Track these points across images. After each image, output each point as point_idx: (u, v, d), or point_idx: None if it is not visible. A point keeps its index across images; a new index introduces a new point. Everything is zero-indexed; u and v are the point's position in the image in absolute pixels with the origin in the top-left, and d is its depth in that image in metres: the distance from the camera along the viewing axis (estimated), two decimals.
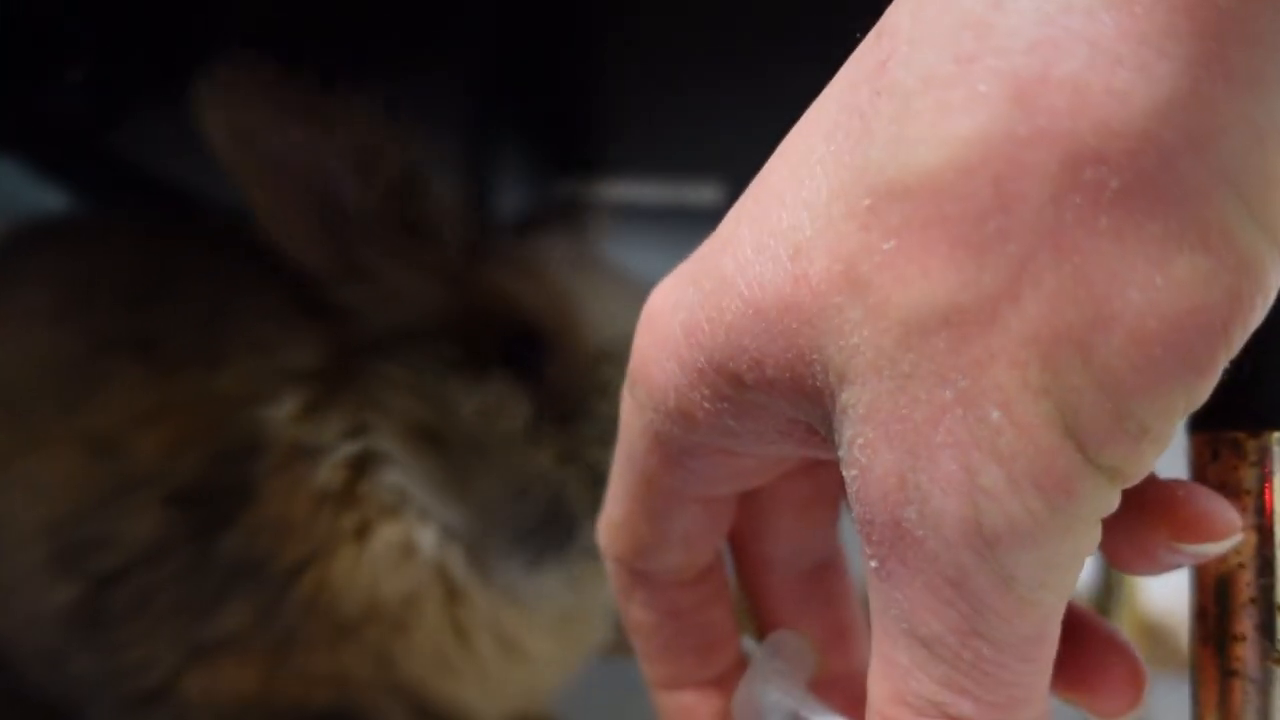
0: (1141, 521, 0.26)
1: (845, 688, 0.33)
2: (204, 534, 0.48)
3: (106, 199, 0.74)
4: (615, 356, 0.49)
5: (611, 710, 0.61)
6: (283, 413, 0.48)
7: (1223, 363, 0.21)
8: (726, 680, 0.33)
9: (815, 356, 0.23)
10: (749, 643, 0.35)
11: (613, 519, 0.31)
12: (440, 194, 0.49)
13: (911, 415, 0.22)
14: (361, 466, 0.49)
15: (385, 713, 0.52)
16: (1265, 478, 0.30)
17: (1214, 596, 0.33)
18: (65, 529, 0.49)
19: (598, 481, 0.46)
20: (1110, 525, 0.25)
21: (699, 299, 0.25)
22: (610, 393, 0.49)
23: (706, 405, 0.26)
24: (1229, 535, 0.26)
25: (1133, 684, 0.29)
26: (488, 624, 0.51)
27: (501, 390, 0.49)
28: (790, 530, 0.33)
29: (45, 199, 0.85)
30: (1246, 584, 0.33)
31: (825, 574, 0.34)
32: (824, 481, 0.32)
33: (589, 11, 0.55)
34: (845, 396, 0.23)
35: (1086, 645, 0.29)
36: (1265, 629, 0.32)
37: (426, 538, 0.50)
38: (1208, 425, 0.31)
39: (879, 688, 0.25)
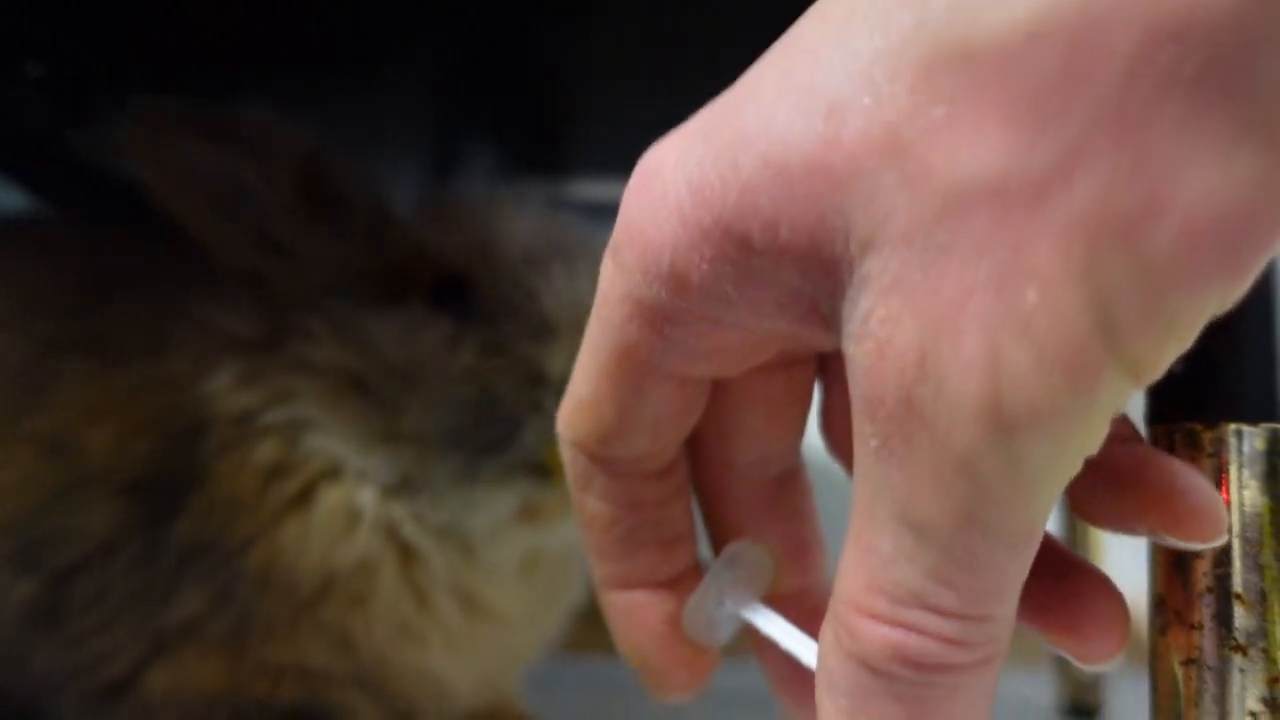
0: (1132, 496, 0.26)
1: (802, 602, 0.33)
2: (157, 522, 0.49)
3: (65, 200, 0.74)
4: (538, 262, 0.51)
5: (585, 710, 0.61)
6: (222, 383, 0.50)
7: (1260, 267, 0.20)
8: (680, 584, 0.32)
9: (839, 223, 0.22)
10: (705, 553, 0.34)
11: (578, 398, 0.30)
12: (344, 170, 0.52)
13: (941, 289, 0.21)
14: (296, 433, 0.50)
15: (354, 710, 0.52)
16: (1221, 469, 0.30)
17: (1171, 585, 0.34)
18: (20, 528, 0.50)
19: (532, 378, 0.49)
20: (1097, 482, 0.25)
21: (710, 155, 0.24)
22: (536, 294, 0.50)
23: (705, 268, 0.25)
24: (1217, 539, 0.26)
25: (1119, 627, 0.28)
26: (446, 581, 0.52)
27: (419, 316, 0.50)
28: (757, 433, 0.32)
29: (3, 199, 0.84)
30: (1203, 573, 0.34)
31: (788, 485, 0.34)
32: (798, 383, 0.31)
33: (556, 11, 0.55)
34: (868, 266, 0.22)
35: (1073, 587, 0.29)
36: (1222, 618, 0.32)
37: (368, 498, 0.50)
38: (1165, 417, 0.32)
39: (853, 578, 0.24)
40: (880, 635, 0.24)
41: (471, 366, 0.49)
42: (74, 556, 0.49)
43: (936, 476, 0.22)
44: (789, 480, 0.34)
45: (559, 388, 0.48)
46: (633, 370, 0.28)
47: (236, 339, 0.51)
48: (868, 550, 0.24)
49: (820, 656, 0.26)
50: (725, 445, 0.32)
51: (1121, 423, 0.28)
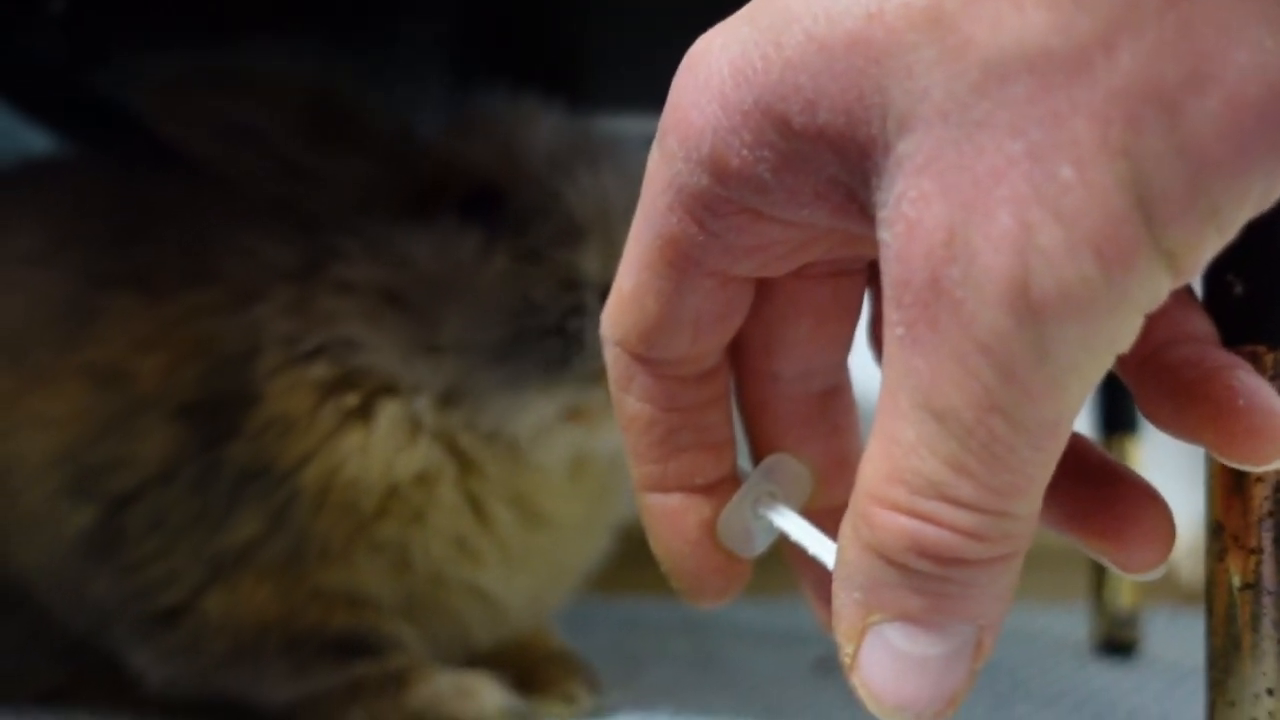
0: (1195, 408, 0.26)
1: (839, 519, 0.33)
2: (211, 445, 0.50)
3: (88, 139, 0.73)
4: (562, 165, 0.51)
5: (617, 650, 0.62)
6: (268, 310, 0.50)
7: None
8: (718, 491, 0.32)
9: (876, 100, 0.22)
10: (744, 464, 0.34)
11: (621, 292, 0.29)
12: (357, 98, 0.53)
13: (974, 166, 0.21)
14: (345, 352, 0.50)
15: (402, 641, 0.53)
16: None
17: (1230, 510, 0.34)
18: (77, 457, 0.50)
19: (567, 282, 0.49)
20: (1164, 387, 0.24)
21: (754, 36, 0.24)
22: (563, 197, 0.50)
23: (745, 153, 0.25)
24: (1275, 462, 0.25)
25: (1163, 535, 0.28)
26: (502, 490, 0.52)
27: (450, 227, 0.51)
28: (802, 344, 0.31)
29: (28, 139, 0.83)
30: (1263, 498, 0.33)
31: (832, 401, 0.33)
32: (846, 295, 0.31)
33: None
34: (903, 146, 0.22)
35: (1117, 493, 0.28)
36: None
37: (426, 408, 0.51)
38: (1227, 339, 0.31)
39: (876, 467, 0.24)
40: (898, 526, 0.23)
41: (506, 275, 0.50)
42: (130, 483, 0.50)
43: (960, 361, 0.22)
44: (833, 396, 0.33)
45: (594, 289, 0.49)
46: (675, 263, 0.28)
47: (277, 266, 0.51)
48: (889, 441, 0.23)
49: (839, 550, 0.25)
50: (769, 355, 0.32)
51: (1196, 322, 0.28)
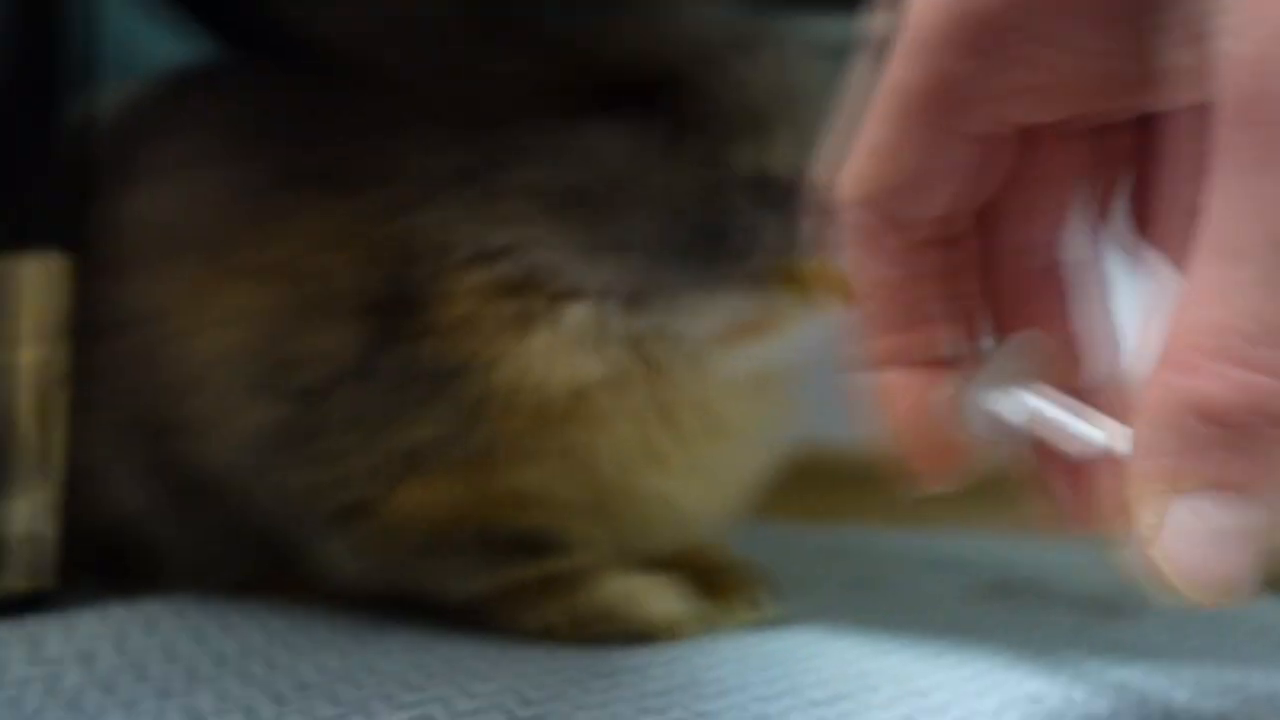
0: None
1: (1084, 403, 0.31)
2: (401, 342, 0.49)
3: (237, 45, 0.73)
4: (745, 53, 0.49)
5: (768, 570, 0.61)
6: (453, 210, 0.50)
7: None
8: (960, 368, 0.31)
9: None
10: (985, 343, 0.33)
11: (871, 146, 0.28)
12: None
13: None
14: (529, 253, 0.49)
15: (590, 540, 0.53)
16: None
17: None
18: (269, 351, 0.51)
19: (754, 179, 0.47)
20: None
21: None
22: (746, 87, 0.48)
23: None
24: None
25: None
26: (689, 397, 0.51)
27: (631, 122, 0.49)
28: (1054, 210, 0.30)
29: (151, 44, 0.84)
30: None
31: (1083, 274, 0.32)
32: (1109, 154, 0.29)
33: None
34: None
35: None
36: None
37: (614, 311, 0.50)
38: None
39: (1199, 314, 0.22)
40: (1228, 379, 0.21)
41: (690, 174, 0.48)
42: (319, 378, 0.50)
43: None
44: (1085, 269, 0.32)
45: (779, 183, 0.47)
46: (942, 106, 0.27)
47: (457, 166, 0.50)
48: (1220, 283, 0.21)
49: (1144, 413, 0.23)
50: (1024, 219, 0.31)
51: None
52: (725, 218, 0.48)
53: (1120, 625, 0.60)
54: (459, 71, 0.51)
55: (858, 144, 0.29)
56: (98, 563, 0.58)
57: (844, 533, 0.88)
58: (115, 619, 0.48)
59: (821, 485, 0.88)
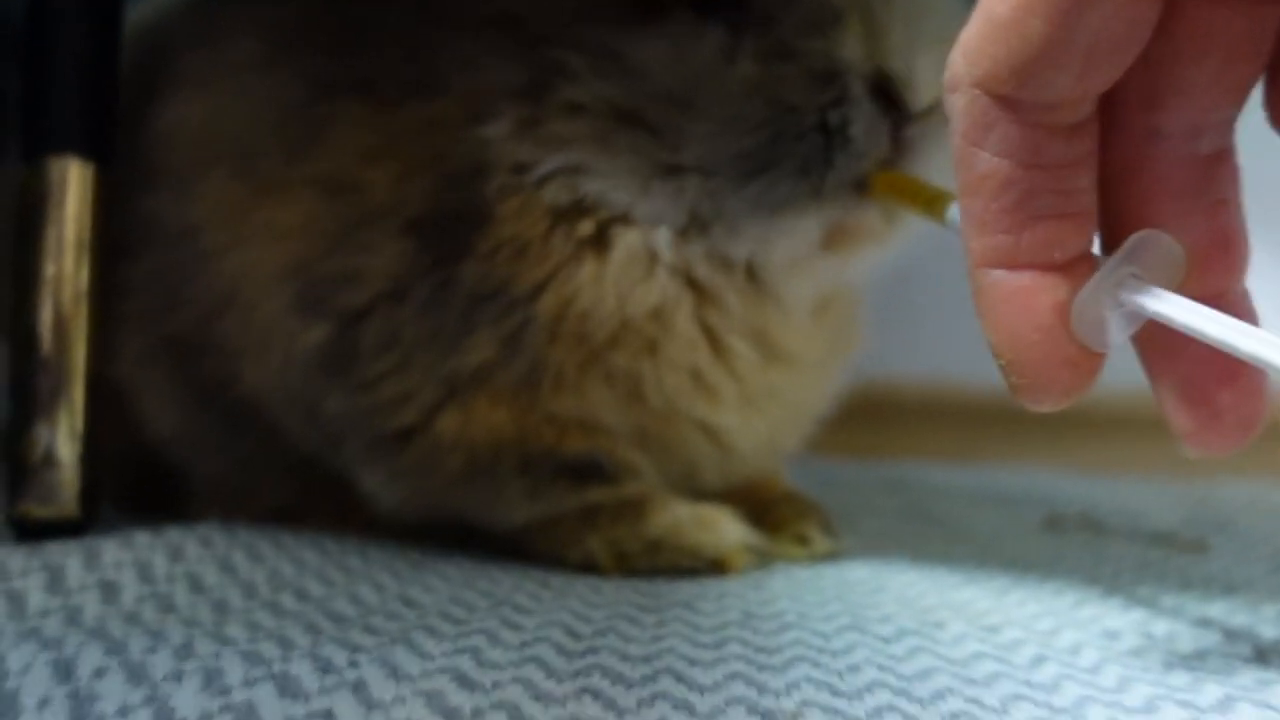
0: None
1: (1216, 308, 0.28)
2: (443, 263, 0.47)
3: None
4: None
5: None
6: (500, 131, 0.47)
7: None
8: (1075, 271, 0.28)
9: None
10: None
11: (994, 18, 0.25)
12: None
13: None
14: (579, 179, 0.47)
15: (635, 467, 0.50)
16: None
17: None
18: (308, 269, 0.48)
19: (825, 77, 0.43)
20: None
21: None
22: None
23: None
24: None
25: None
26: (742, 324, 0.49)
27: (685, 28, 0.45)
28: (1200, 90, 0.27)
29: None
30: None
31: (1218, 167, 0.28)
32: (1261, 30, 0.26)
33: None
34: None
35: None
36: None
37: (663, 239, 0.47)
38: None
39: None
40: None
41: (753, 76, 0.44)
42: (362, 299, 0.48)
43: None
44: (1219, 162, 0.29)
45: (859, 77, 0.43)
46: None
47: (503, 83, 0.47)
48: None
49: None
50: (1155, 105, 0.27)
51: None
52: (790, 121, 0.44)
53: (1194, 559, 0.57)
54: None
55: (976, 15, 0.26)
56: (127, 489, 0.57)
57: (900, 467, 0.86)
58: (139, 547, 0.47)
59: (875, 418, 0.85)
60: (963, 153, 0.28)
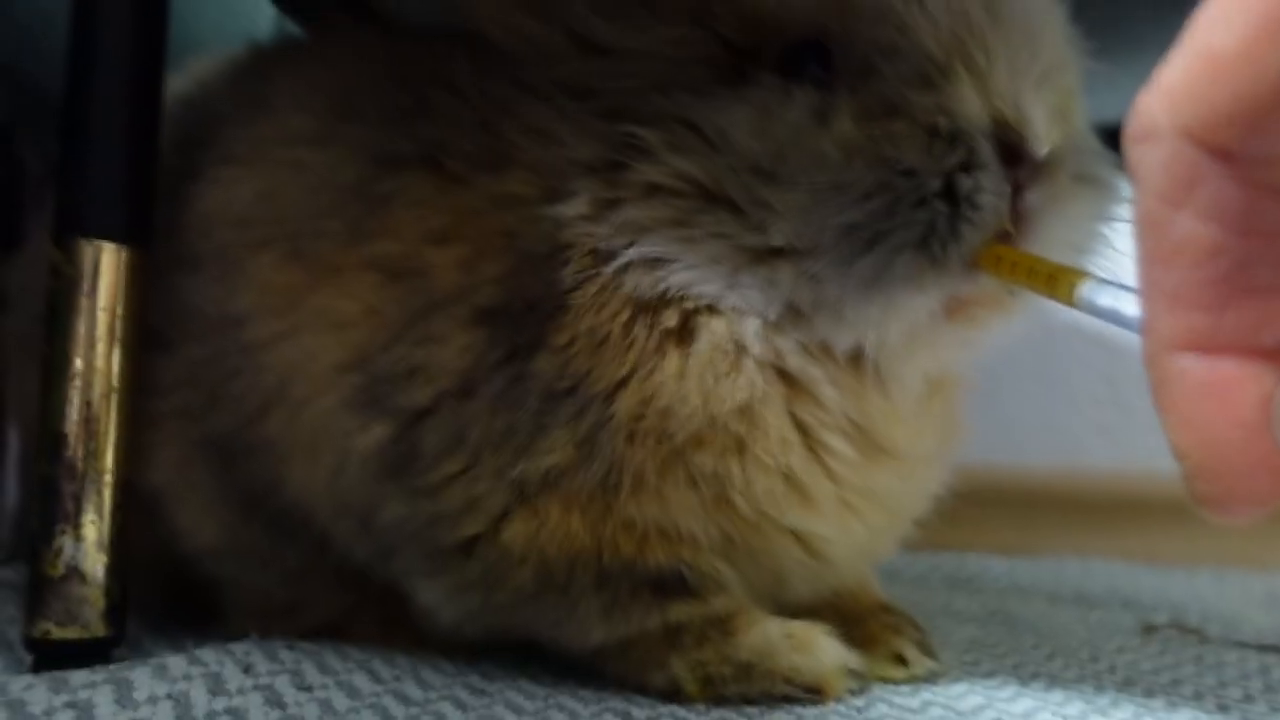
0: None
1: None
2: (515, 356, 0.42)
3: (317, 20, 0.67)
4: (896, 8, 0.40)
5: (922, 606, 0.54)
6: (576, 211, 0.43)
7: None
8: None
9: None
10: None
11: (1212, 56, 0.21)
12: None
13: None
14: (661, 266, 0.42)
15: (720, 580, 0.45)
16: None
17: None
18: (368, 363, 0.44)
19: (938, 132, 0.39)
20: None
21: None
22: (913, 29, 0.40)
23: None
24: None
25: None
26: (839, 418, 0.44)
27: (770, 92, 0.41)
28: None
29: (256, 15, 0.78)
30: None
31: None
32: None
33: None
34: None
35: None
36: None
37: (752, 330, 0.42)
38: None
39: None
40: None
41: (852, 137, 0.40)
42: (427, 396, 0.43)
43: None
44: None
45: (983, 132, 0.38)
46: None
47: (578, 159, 0.43)
48: None
49: None
50: None
51: None
52: (908, 186, 0.39)
53: None
54: (584, 47, 0.44)
55: (1183, 51, 0.22)
56: (155, 603, 0.52)
57: (963, 560, 0.81)
58: (175, 677, 0.42)
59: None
60: (1154, 215, 0.24)
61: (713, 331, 0.42)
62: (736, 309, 0.42)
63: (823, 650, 0.45)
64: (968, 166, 0.38)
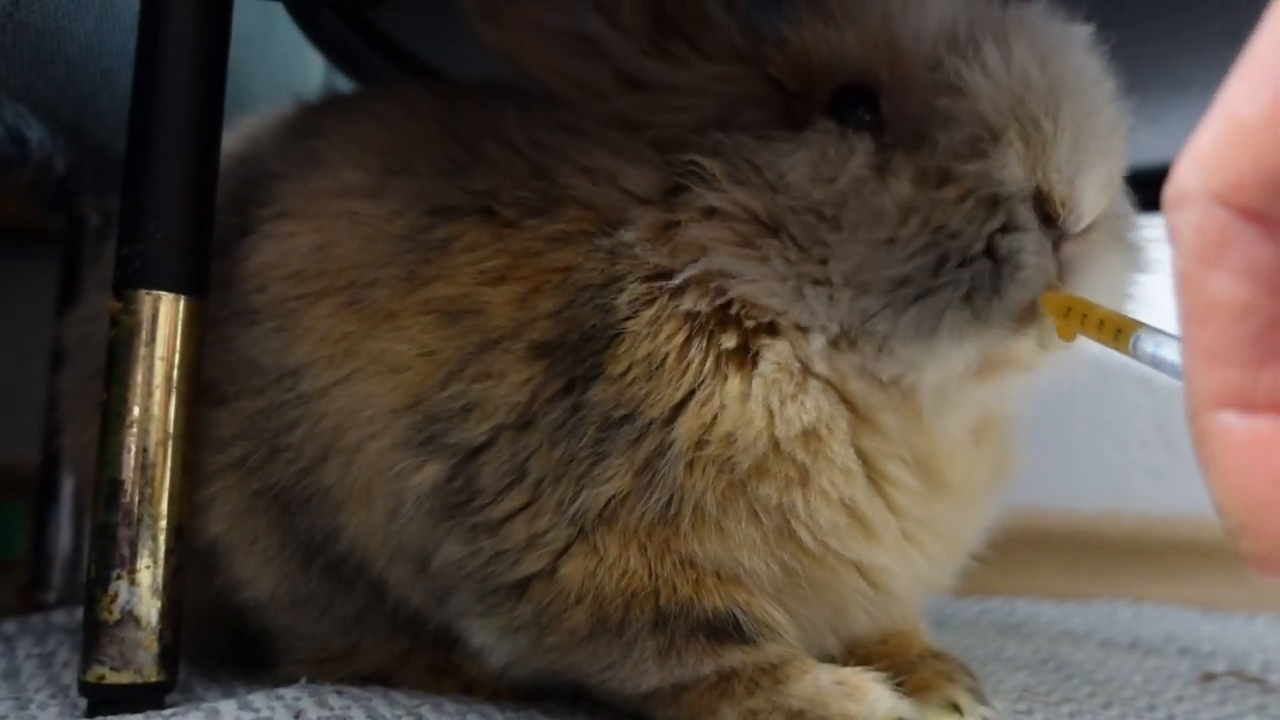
0: None
1: None
2: (572, 387, 0.43)
3: (366, 73, 0.69)
4: (962, 48, 0.41)
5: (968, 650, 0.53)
6: (634, 236, 0.44)
7: None
8: None
9: None
10: None
11: (1240, 121, 0.22)
12: None
13: None
14: (720, 285, 0.43)
15: (775, 625, 0.45)
16: None
17: None
18: (423, 402, 0.44)
19: (988, 202, 0.40)
20: None
21: None
22: (969, 91, 0.41)
23: None
24: None
25: None
26: (903, 450, 0.44)
27: (827, 138, 0.42)
28: None
29: (305, 69, 0.80)
30: None
31: None
32: None
33: None
34: None
35: None
36: None
37: (817, 349, 0.43)
38: None
39: None
40: None
41: (909, 198, 0.41)
42: (483, 431, 0.43)
43: None
44: None
45: (1024, 199, 0.40)
46: None
47: (633, 190, 0.44)
48: None
49: None
50: None
51: None
52: (954, 247, 0.40)
53: None
54: (628, 84, 0.45)
55: (1214, 119, 0.23)
56: (207, 649, 0.52)
57: (1011, 605, 0.79)
58: (259, 706, 0.42)
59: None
60: (1191, 276, 0.24)
61: (777, 351, 0.43)
62: (799, 327, 0.43)
63: (875, 698, 0.44)
64: (1008, 229, 0.40)
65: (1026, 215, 0.40)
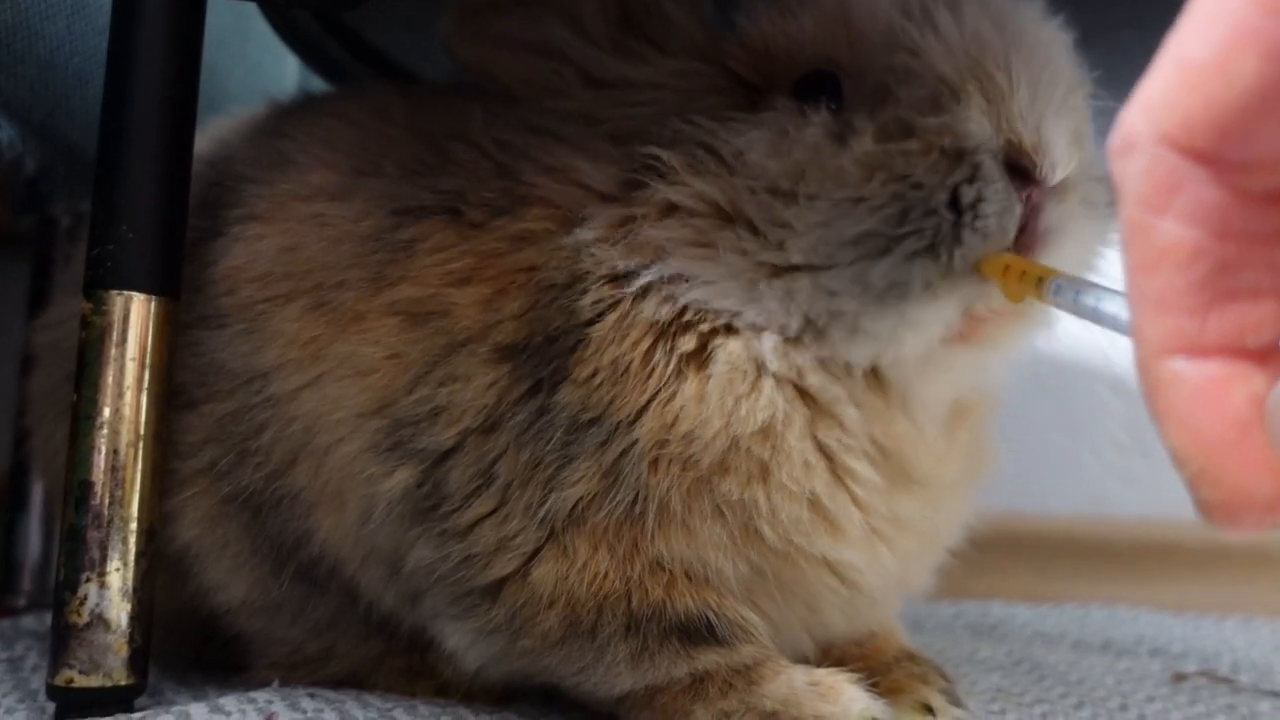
0: None
1: None
2: (539, 389, 0.43)
3: (340, 75, 0.69)
4: (917, 14, 0.42)
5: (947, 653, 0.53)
6: (588, 237, 0.44)
7: None
8: (1272, 360, 0.24)
9: None
10: None
11: (1188, 64, 0.22)
12: None
13: None
14: (677, 288, 0.43)
15: (746, 626, 0.45)
16: None
17: None
18: (391, 407, 0.44)
19: (951, 152, 0.40)
20: None
21: None
22: (926, 52, 0.41)
23: None
24: None
25: None
26: (862, 439, 0.44)
27: (786, 116, 0.42)
28: None
29: (279, 72, 0.80)
30: None
31: None
32: None
33: None
34: None
35: None
36: None
37: (769, 347, 0.43)
38: None
39: None
40: None
41: (872, 155, 0.40)
42: (452, 435, 0.43)
43: None
44: None
45: (989, 151, 0.40)
46: None
47: (593, 186, 0.44)
48: None
49: None
50: None
51: None
52: (917, 198, 0.40)
53: None
54: (592, 83, 0.45)
55: (1161, 63, 0.23)
56: (177, 653, 0.52)
57: (985, 607, 0.80)
58: (231, 709, 0.42)
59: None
60: (1138, 223, 0.24)
61: (729, 351, 0.43)
62: (754, 326, 0.43)
63: (849, 699, 0.44)
64: (973, 179, 0.40)
65: (991, 167, 0.39)
